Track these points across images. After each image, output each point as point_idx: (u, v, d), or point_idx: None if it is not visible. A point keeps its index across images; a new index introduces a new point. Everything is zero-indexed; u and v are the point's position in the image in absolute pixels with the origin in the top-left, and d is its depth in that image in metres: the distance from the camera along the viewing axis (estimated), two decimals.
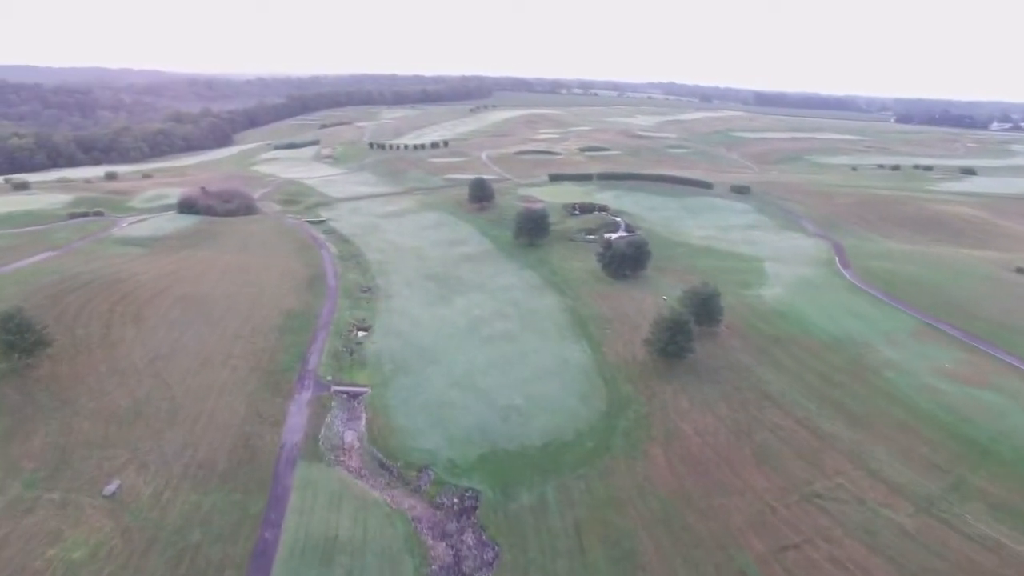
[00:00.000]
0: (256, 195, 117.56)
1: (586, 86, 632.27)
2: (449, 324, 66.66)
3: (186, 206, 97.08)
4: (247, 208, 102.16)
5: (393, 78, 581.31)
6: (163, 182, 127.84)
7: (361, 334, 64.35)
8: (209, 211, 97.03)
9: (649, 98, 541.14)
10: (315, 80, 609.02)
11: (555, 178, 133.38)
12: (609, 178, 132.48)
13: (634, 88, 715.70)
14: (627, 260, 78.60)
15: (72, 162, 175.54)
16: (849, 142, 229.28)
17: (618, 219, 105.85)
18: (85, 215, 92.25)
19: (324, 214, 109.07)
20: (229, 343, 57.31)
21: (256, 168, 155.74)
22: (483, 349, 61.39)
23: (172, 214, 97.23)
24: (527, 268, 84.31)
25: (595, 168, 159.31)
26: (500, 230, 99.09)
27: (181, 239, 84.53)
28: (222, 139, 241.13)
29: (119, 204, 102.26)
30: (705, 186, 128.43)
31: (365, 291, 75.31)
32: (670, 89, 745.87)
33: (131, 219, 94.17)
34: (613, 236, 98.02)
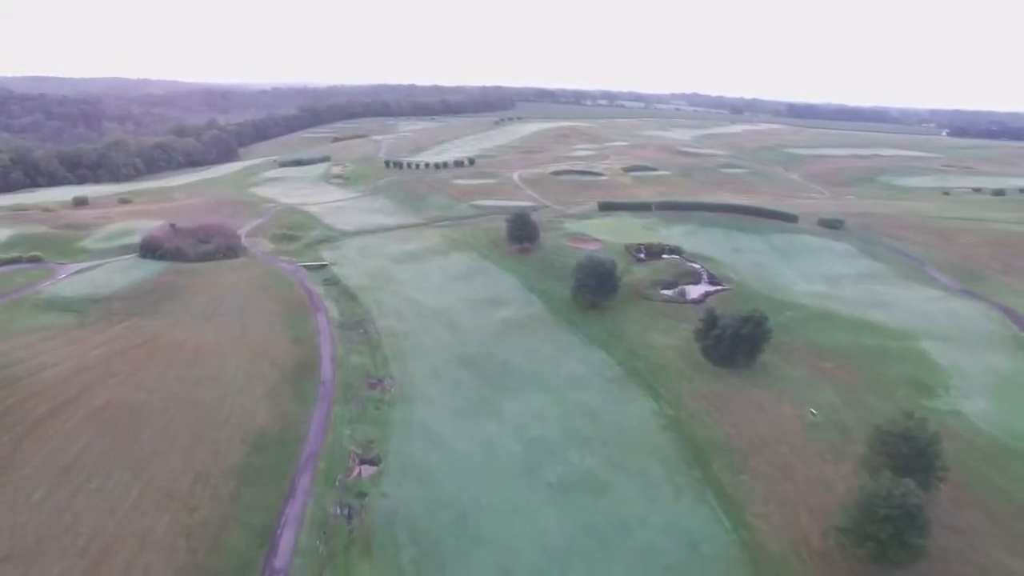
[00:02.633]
0: (245, 229, 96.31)
1: (610, 97, 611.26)
2: (499, 455, 44.31)
3: (149, 249, 75.82)
4: (229, 249, 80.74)
5: (412, 88, 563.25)
6: (139, 210, 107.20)
7: (366, 472, 42.16)
8: (178, 255, 75.71)
9: (677, 109, 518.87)
10: (332, 90, 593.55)
11: (606, 207, 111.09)
12: (671, 208, 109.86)
13: (658, 99, 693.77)
14: (740, 343, 55.77)
15: (54, 181, 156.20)
16: (920, 159, 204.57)
17: (696, 266, 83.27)
18: (16, 261, 71.17)
19: (327, 255, 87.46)
20: (152, 510, 35.32)
21: (254, 190, 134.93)
22: (555, 510, 38.96)
23: (132, 258, 75.96)
24: (596, 346, 61.78)
25: (647, 192, 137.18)
26: (550, 282, 76.77)
27: (129, 300, 63.00)
28: (226, 153, 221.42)
29: (68, 244, 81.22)
30: (789, 219, 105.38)
31: (374, 386, 53.16)
32: (695, 100, 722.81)
33: (76, 267, 73.02)
34: (697, 292, 75.74)
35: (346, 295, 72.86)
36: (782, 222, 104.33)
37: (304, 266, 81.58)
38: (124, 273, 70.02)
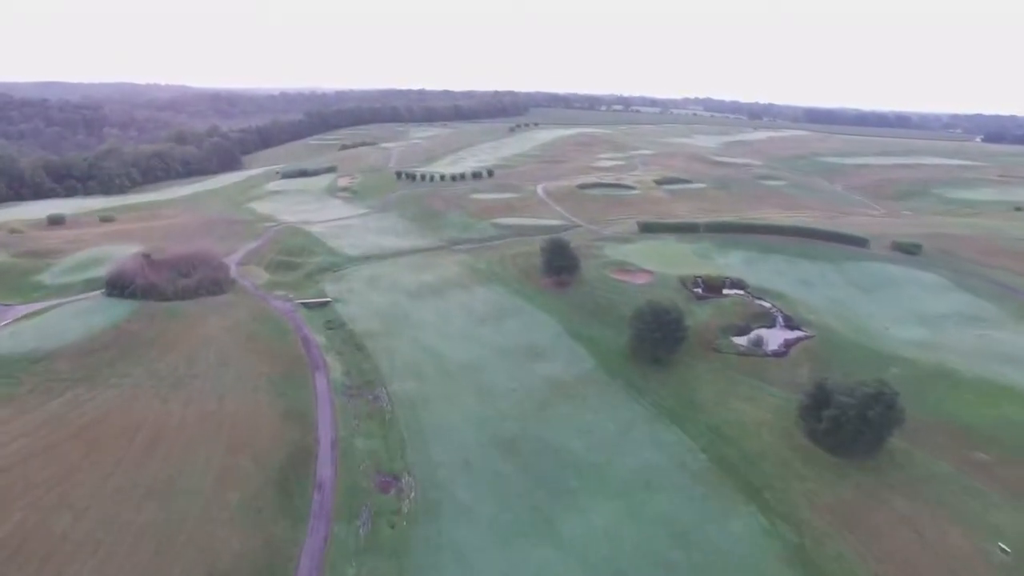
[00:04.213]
0: (238, 255, 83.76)
1: (624, 102, 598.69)
2: None
3: (118, 285, 63.12)
4: (214, 283, 68.04)
5: (422, 93, 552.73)
6: (120, 231, 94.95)
7: None
8: (152, 292, 63.01)
9: (694, 115, 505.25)
10: (340, 95, 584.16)
11: (647, 228, 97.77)
12: (723, 230, 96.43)
13: (672, 104, 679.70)
14: (866, 427, 42.46)
15: (40, 193, 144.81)
16: (970, 169, 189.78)
17: (767, 304, 69.95)
18: None
19: (330, 288, 74.81)
20: None
21: (253, 205, 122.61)
22: None
23: (95, 298, 63.39)
24: (667, 419, 48.65)
25: (686, 208, 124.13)
26: (597, 326, 63.78)
27: (80, 359, 50.25)
28: (228, 162, 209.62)
29: (23, 278, 68.87)
30: (859, 243, 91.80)
31: (387, 487, 40.22)
32: (709, 105, 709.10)
33: (24, 309, 60.54)
34: (776, 341, 62.40)
35: (352, 344, 59.98)
36: (851, 247, 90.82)
37: (303, 304, 68.86)
38: (81, 319, 57.32)
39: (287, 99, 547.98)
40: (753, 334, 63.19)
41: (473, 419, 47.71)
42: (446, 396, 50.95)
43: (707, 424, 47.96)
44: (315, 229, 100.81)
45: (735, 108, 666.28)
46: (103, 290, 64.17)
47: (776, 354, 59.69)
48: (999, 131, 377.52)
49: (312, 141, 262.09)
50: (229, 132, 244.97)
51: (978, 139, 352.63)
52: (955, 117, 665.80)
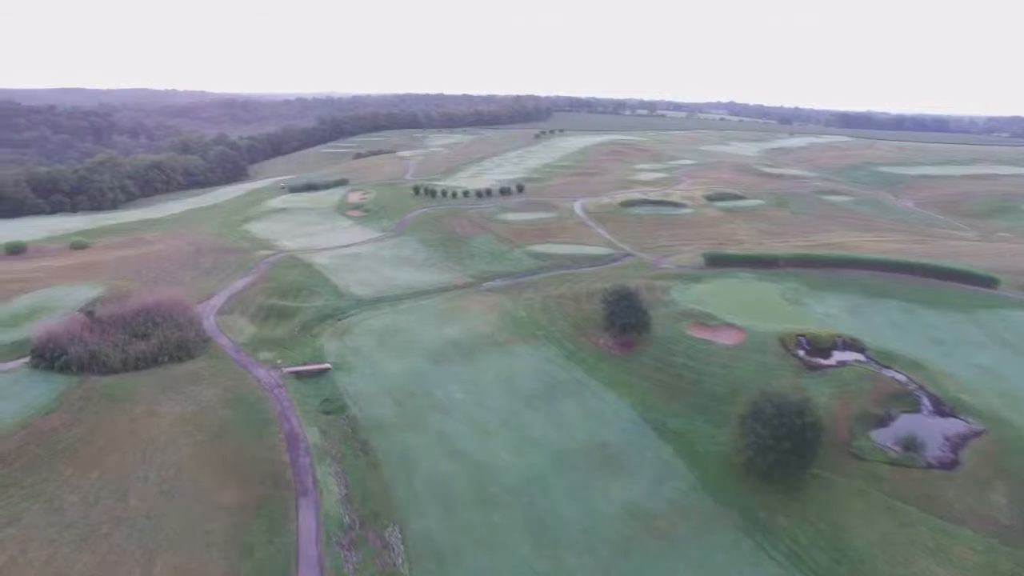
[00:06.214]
0: (220, 297, 68.19)
1: (648, 106, 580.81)
2: None
3: (48, 355, 47.67)
4: (179, 347, 52.23)
5: (440, 98, 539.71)
6: (90, 263, 79.83)
7: None
8: (93, 363, 47.48)
9: (722, 119, 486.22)
10: (356, 100, 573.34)
11: (715, 261, 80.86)
12: (809, 263, 79.17)
13: (697, 108, 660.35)
14: None
15: (21, 210, 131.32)
16: None
17: (900, 377, 52.49)
18: None
19: (331, 346, 58.92)
20: None
21: (250, 227, 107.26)
22: None
23: (20, 369, 48.04)
24: None
25: (747, 231, 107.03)
26: (684, 412, 47.19)
27: None
28: (233, 172, 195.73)
29: None
30: (986, 283, 74.10)
31: None
32: (735, 109, 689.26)
33: None
34: (934, 439, 45.03)
35: (355, 442, 43.89)
36: (976, 287, 73.21)
37: (294, 374, 52.94)
38: None
39: (303, 104, 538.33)
40: (901, 429, 46.09)
41: None
42: (489, 542, 34.60)
43: None
44: (318, 260, 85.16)
45: (761, 112, 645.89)
46: (28, 359, 48.70)
47: (943, 464, 42.56)
48: None
49: (324, 149, 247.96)
50: (238, 140, 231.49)
51: None
52: (992, 120, 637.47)
